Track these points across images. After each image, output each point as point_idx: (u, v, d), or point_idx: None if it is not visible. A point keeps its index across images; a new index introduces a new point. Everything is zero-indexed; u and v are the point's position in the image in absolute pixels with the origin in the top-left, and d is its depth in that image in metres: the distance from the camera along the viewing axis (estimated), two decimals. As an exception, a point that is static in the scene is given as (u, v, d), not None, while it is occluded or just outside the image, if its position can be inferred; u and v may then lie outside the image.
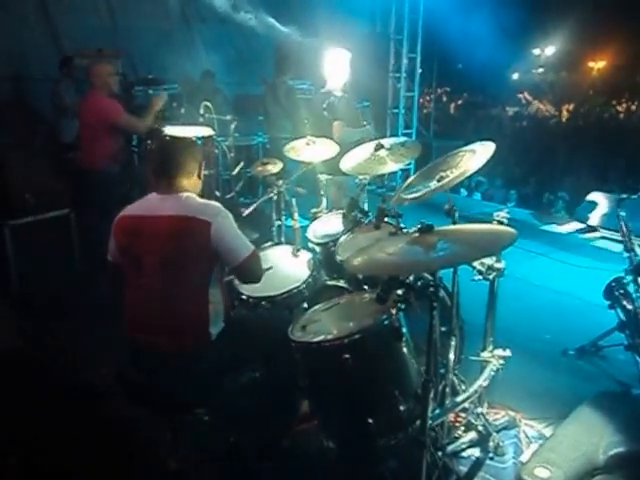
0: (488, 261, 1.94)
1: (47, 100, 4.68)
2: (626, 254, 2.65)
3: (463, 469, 1.93)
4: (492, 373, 2.00)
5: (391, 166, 2.35)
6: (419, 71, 6.59)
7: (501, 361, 2.01)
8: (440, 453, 1.71)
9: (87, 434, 2.06)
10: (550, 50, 13.44)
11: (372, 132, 3.66)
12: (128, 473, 1.89)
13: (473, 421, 2.06)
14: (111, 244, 1.85)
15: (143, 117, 3.72)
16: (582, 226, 4.95)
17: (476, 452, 2.00)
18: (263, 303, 2.17)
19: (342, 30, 6.48)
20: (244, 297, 2.20)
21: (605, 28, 10.56)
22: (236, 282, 2.24)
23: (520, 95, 11.80)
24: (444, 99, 12.43)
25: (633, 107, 10.50)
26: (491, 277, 1.95)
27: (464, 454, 1.99)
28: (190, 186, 1.82)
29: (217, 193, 3.95)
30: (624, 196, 2.75)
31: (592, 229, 4.80)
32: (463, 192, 7.24)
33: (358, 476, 1.77)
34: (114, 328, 1.89)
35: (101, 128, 3.52)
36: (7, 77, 4.43)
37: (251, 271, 1.84)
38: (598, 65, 13.10)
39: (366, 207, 2.66)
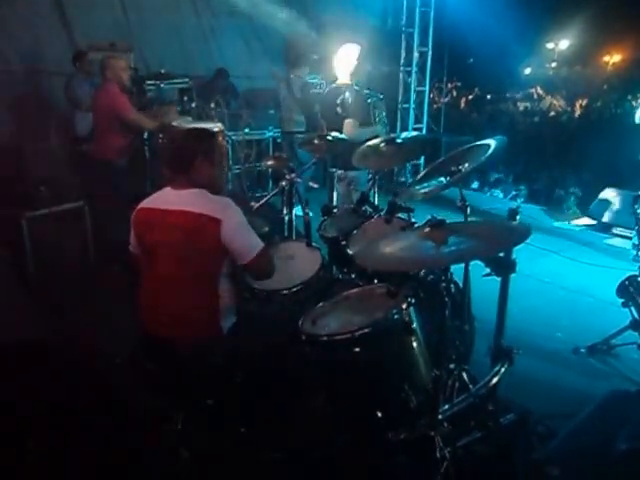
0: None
1: (61, 94, 4.73)
2: (641, 251, 2.62)
3: (472, 465, 1.93)
4: (502, 370, 1.99)
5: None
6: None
7: (511, 358, 2.00)
8: (449, 449, 1.70)
9: (99, 423, 2.10)
10: (564, 44, 13.22)
11: (382, 131, 3.64)
12: (139, 460, 1.92)
13: (482, 418, 2.05)
14: (131, 235, 1.87)
15: (153, 118, 3.80)
16: (595, 223, 4.88)
17: (485, 449, 1.99)
18: (274, 297, 2.18)
19: (353, 23, 6.46)
20: (255, 291, 2.21)
21: (621, 21, 10.36)
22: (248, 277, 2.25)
23: (532, 90, 11.62)
24: (454, 94, 12.28)
25: (649, 102, 10.28)
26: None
27: (473, 450, 1.99)
28: (204, 180, 1.81)
29: (228, 187, 3.98)
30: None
31: (605, 226, 4.74)
32: (476, 189, 7.18)
33: (367, 470, 1.78)
34: (128, 318, 1.92)
35: (111, 122, 3.60)
36: (22, 71, 4.48)
37: (261, 269, 1.85)
38: (613, 59, 12.84)
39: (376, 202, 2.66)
